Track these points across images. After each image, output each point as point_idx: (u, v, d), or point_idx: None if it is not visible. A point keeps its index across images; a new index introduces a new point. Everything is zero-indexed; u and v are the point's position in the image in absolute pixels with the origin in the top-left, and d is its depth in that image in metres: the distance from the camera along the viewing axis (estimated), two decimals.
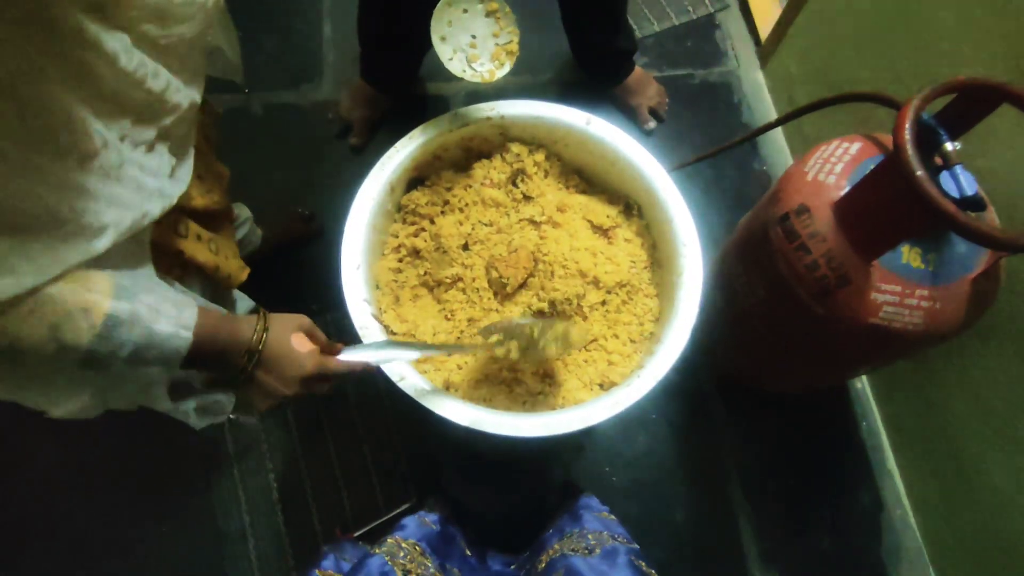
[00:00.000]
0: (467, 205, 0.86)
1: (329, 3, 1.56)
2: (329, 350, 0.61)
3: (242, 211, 1.11)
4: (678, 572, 1.15)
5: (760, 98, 1.49)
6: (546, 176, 0.89)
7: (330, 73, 1.49)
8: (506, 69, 0.77)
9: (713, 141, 1.40)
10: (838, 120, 1.23)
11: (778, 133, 1.47)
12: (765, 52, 1.49)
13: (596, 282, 0.82)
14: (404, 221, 0.87)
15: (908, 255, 0.79)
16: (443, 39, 0.76)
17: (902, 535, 1.19)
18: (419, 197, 0.86)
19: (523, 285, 0.82)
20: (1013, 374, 0.92)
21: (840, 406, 1.26)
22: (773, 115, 1.46)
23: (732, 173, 1.42)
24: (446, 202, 0.86)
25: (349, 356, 0.62)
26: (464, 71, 0.76)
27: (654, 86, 1.44)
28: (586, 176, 0.91)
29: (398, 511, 1.17)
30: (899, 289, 0.78)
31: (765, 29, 1.50)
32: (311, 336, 0.60)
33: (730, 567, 1.16)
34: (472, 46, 0.76)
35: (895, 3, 1.05)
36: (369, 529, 1.15)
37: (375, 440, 1.22)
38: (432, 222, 0.86)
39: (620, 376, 0.79)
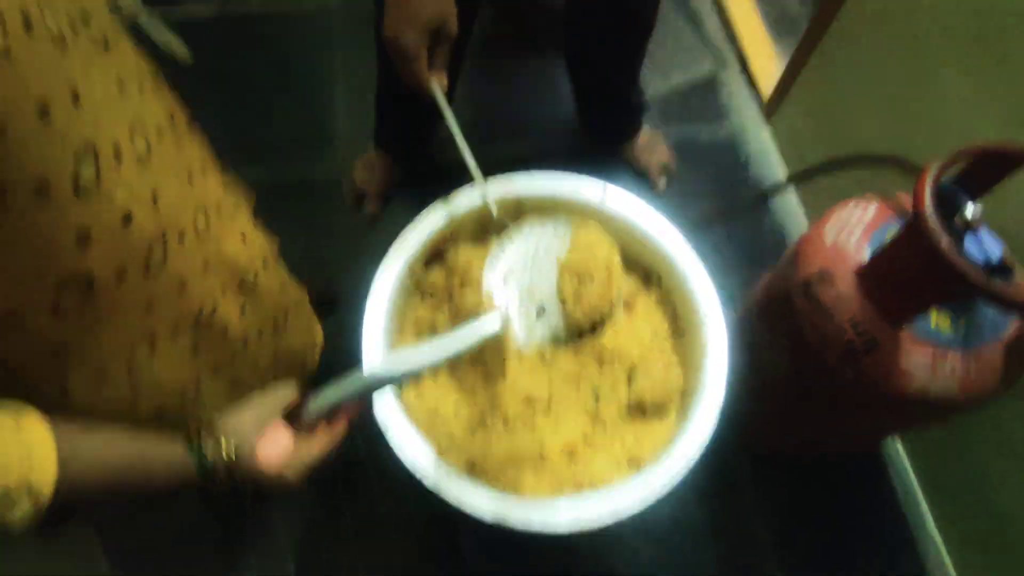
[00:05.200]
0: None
1: (340, 77, 1.62)
2: (303, 421, 0.51)
3: None
4: None
5: (767, 155, 1.51)
6: None
7: (343, 144, 1.52)
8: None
9: (721, 199, 1.41)
10: (851, 176, 1.23)
11: (789, 190, 1.48)
12: (769, 110, 1.52)
13: (619, 355, 0.81)
14: (422, 297, 0.87)
15: (937, 320, 0.77)
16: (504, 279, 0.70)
17: None
18: (437, 273, 0.86)
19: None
20: None
21: (874, 470, 1.22)
22: (781, 172, 1.47)
23: (743, 231, 1.42)
24: (464, 277, 0.86)
25: (318, 407, 0.51)
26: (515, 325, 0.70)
27: (663, 145, 1.46)
28: None
29: None
30: (930, 354, 0.76)
31: (767, 87, 1.53)
32: (284, 416, 0.50)
33: None
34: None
35: (899, 62, 1.07)
36: None
37: (396, 516, 1.18)
38: (451, 297, 0.86)
39: (650, 451, 0.76)
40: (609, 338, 0.81)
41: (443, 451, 0.77)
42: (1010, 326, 0.77)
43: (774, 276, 0.97)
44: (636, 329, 0.83)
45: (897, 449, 1.23)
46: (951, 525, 1.14)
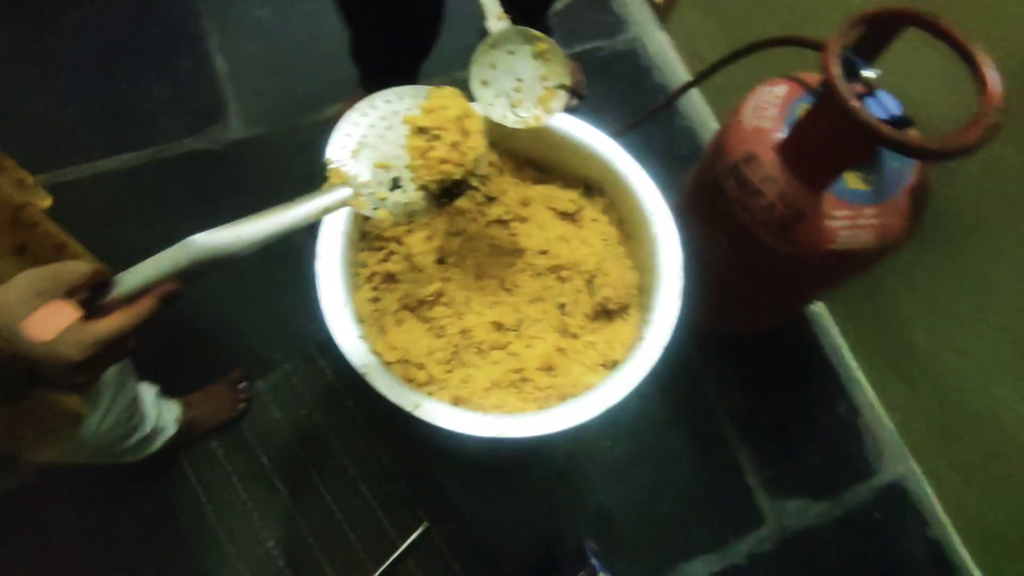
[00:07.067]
0: (432, 218, 0.84)
1: (215, 37, 1.47)
2: (98, 301, 0.43)
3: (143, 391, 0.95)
4: (697, 523, 1.20)
5: (667, 58, 1.55)
6: (502, 174, 0.88)
7: (236, 108, 1.40)
8: (556, 111, 0.72)
9: (633, 107, 1.44)
10: (745, 67, 1.29)
11: (695, 90, 1.52)
12: (662, 14, 1.54)
13: (576, 267, 0.83)
14: (371, 248, 0.84)
15: (851, 180, 0.84)
16: (485, 83, 0.70)
17: (879, 433, 1.29)
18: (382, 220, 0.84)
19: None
20: (948, 264, 1.02)
21: (802, 332, 1.35)
22: (683, 73, 1.52)
23: (659, 134, 1.47)
24: None
25: (128, 286, 0.43)
26: (505, 116, 0.71)
27: (569, 65, 1.45)
28: (540, 165, 0.91)
29: (415, 536, 1.14)
30: (850, 213, 0.84)
31: None
32: (68, 286, 0.42)
33: (741, 504, 1.22)
34: (517, 90, 0.72)
35: None
36: (389, 564, 1.12)
37: (369, 475, 1.18)
38: (400, 243, 0.84)
39: (621, 352, 0.80)
40: (566, 253, 0.83)
41: (428, 392, 0.77)
42: (911, 175, 0.86)
43: (701, 169, 1.02)
44: (586, 239, 0.86)
45: (819, 309, 1.36)
46: (873, 368, 1.30)
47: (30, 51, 1.41)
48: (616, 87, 1.51)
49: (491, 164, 0.87)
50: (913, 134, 0.83)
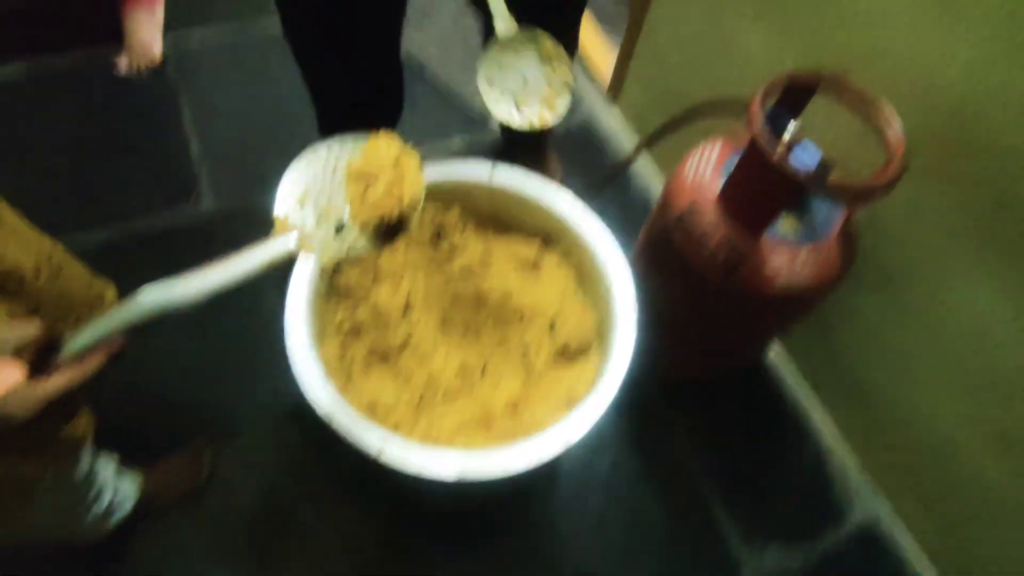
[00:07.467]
0: (397, 271, 0.88)
1: (190, 118, 1.55)
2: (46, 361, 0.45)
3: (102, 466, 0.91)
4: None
5: (619, 133, 1.68)
6: (465, 229, 0.94)
7: (208, 186, 1.46)
8: (560, 112, 0.74)
9: (592, 181, 1.55)
10: (688, 134, 1.42)
11: (644, 156, 1.65)
12: (612, 94, 1.69)
13: (537, 312, 0.87)
14: (339, 301, 0.87)
15: (785, 225, 0.92)
16: (491, 82, 0.72)
17: (847, 476, 1.31)
18: (349, 274, 0.87)
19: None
20: (887, 302, 1.09)
21: (764, 378, 1.39)
22: (635, 144, 1.64)
23: (616, 203, 1.57)
24: (376, 273, 0.88)
25: (76, 347, 0.45)
26: (510, 114, 0.73)
27: (557, 160, 1.55)
28: (501, 221, 0.97)
29: None
30: (787, 254, 0.91)
31: (605, 75, 1.70)
32: (14, 347, 0.43)
33: (718, 555, 1.21)
34: (523, 90, 0.74)
35: (710, 34, 1.26)
36: None
37: (340, 542, 1.14)
38: (367, 294, 0.87)
39: (583, 391, 0.83)
40: (528, 300, 0.88)
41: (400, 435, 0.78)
42: (839, 218, 0.94)
43: (651, 224, 1.09)
44: (547, 286, 0.90)
45: (777, 356, 1.41)
46: (833, 409, 1.33)
47: (5, 136, 1.46)
48: (576, 161, 1.62)
49: (453, 220, 0.92)
50: (833, 179, 0.92)
